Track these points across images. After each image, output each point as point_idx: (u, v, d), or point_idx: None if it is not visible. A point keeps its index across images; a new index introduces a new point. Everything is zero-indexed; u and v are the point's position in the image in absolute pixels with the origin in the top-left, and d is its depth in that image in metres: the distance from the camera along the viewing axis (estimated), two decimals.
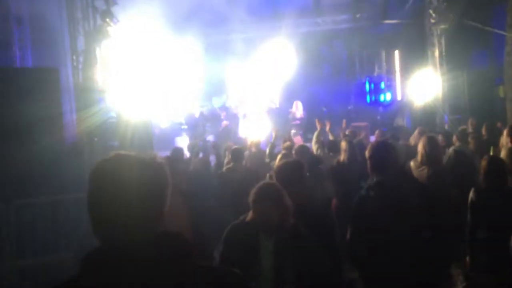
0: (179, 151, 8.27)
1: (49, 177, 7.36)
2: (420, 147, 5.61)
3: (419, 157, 5.61)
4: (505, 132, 6.00)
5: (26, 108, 7.61)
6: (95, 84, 11.27)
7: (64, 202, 7.08)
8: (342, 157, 7.17)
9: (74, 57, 11.27)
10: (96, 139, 11.00)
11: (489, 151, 6.34)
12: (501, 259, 4.15)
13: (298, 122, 15.61)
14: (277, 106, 18.18)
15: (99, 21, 11.70)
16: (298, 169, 4.01)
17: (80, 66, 11.25)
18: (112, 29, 11.89)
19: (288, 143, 8.39)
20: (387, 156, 3.89)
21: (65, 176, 7.58)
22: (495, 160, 4.69)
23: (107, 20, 11.72)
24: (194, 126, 14.88)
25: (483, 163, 4.58)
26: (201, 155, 9.35)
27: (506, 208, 4.38)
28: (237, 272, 1.69)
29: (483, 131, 8.43)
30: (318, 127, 9.62)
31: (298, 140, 14.09)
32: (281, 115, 16.73)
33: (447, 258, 4.20)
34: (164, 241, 1.57)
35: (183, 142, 13.86)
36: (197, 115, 15.21)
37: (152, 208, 1.57)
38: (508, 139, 5.86)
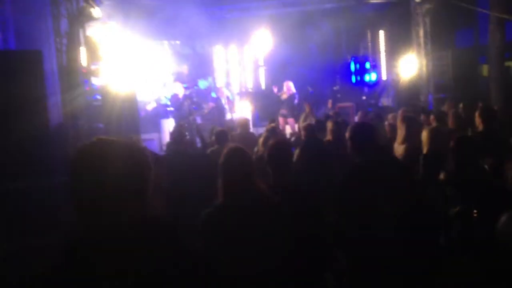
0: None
1: (34, 160, 7.33)
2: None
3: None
4: (477, 113, 6.03)
5: (9, 91, 7.54)
6: (79, 66, 11.16)
7: (49, 186, 7.05)
8: (329, 137, 7.26)
9: (58, 39, 11.14)
10: (81, 121, 10.94)
11: (467, 132, 6.40)
12: (477, 239, 4.24)
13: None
14: (263, 88, 18.16)
15: (82, 3, 11.56)
16: (286, 150, 4.04)
17: (63, 48, 11.13)
18: (95, 10, 11.76)
19: (272, 124, 8.43)
20: (367, 137, 3.94)
21: (49, 160, 7.54)
22: (463, 140, 4.74)
23: (90, 1, 11.59)
24: (179, 108, 14.82)
25: (452, 143, 4.63)
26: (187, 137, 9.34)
27: (475, 187, 4.44)
28: (218, 257, 1.72)
29: (461, 110, 8.50)
30: (307, 109, 9.67)
31: (290, 122, 14.16)
32: (268, 96, 16.71)
33: (430, 236, 4.29)
34: (148, 225, 1.58)
35: (169, 124, 13.85)
36: (180, 95, 15.15)
37: (134, 193, 1.58)
38: (480, 120, 5.90)
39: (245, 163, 3.28)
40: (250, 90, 17.05)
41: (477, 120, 5.94)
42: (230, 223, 3.13)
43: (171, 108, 15.33)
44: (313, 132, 6.96)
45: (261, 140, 7.02)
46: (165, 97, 16.04)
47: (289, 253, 3.17)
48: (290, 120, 14.49)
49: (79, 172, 1.56)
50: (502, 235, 3.27)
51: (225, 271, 2.74)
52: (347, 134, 4.08)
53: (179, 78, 16.87)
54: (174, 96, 15.27)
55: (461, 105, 8.90)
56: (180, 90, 15.33)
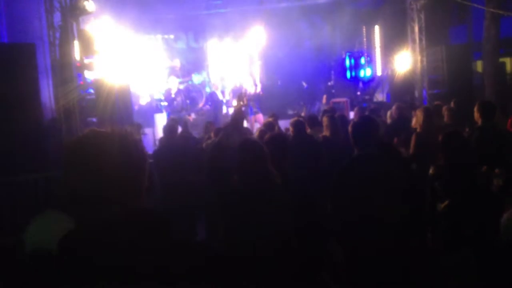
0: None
1: (27, 155, 7.28)
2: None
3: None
4: (475, 108, 6.01)
5: (1, 84, 7.48)
6: (72, 60, 11.10)
7: (43, 180, 7.02)
8: (325, 132, 7.25)
9: (51, 33, 11.07)
10: (74, 116, 10.88)
11: (464, 127, 6.40)
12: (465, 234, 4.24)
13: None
14: (258, 82, 18.11)
15: None
16: (282, 143, 4.04)
17: (57, 42, 11.06)
18: (88, 3, 11.68)
19: (269, 119, 8.43)
20: (369, 130, 3.93)
21: (43, 154, 7.50)
22: (452, 135, 4.73)
23: None
24: (172, 102, 14.78)
25: (440, 138, 4.62)
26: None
27: (466, 178, 4.45)
28: (215, 247, 1.69)
29: (452, 106, 8.52)
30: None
31: (258, 118, 14.15)
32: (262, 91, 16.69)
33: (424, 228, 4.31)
34: (140, 218, 1.55)
35: (162, 119, 13.81)
36: (174, 91, 15.08)
37: (128, 185, 1.56)
38: (478, 115, 5.88)
39: (258, 153, 3.37)
40: (243, 85, 17.00)
41: (476, 115, 5.92)
42: (244, 208, 3.27)
43: (165, 103, 15.29)
44: (301, 127, 6.93)
45: (256, 134, 7.01)
46: (159, 92, 16.00)
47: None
48: (259, 116, 14.48)
49: (71, 163, 1.54)
50: (505, 233, 3.27)
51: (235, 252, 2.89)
52: (349, 128, 4.08)
53: (172, 72, 16.81)
54: (168, 91, 15.22)
55: (452, 102, 8.91)
56: (174, 85, 15.27)
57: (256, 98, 15.24)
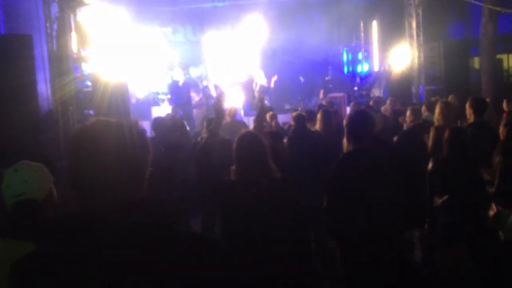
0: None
1: (24, 146, 7.27)
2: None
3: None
4: (467, 105, 5.99)
5: None
6: (69, 52, 11.07)
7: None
8: (317, 126, 7.26)
9: (48, 24, 11.04)
10: (71, 108, 10.87)
11: (456, 124, 6.39)
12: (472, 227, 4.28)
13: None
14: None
15: None
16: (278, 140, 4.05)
17: (54, 34, 11.03)
18: None
19: (270, 113, 8.45)
20: (364, 124, 3.93)
21: (39, 146, 7.49)
22: (457, 131, 4.78)
23: None
24: (178, 95, 14.67)
25: (446, 134, 4.67)
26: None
27: (466, 175, 4.48)
28: (217, 239, 1.71)
29: (451, 99, 8.54)
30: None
31: None
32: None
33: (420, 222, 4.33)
34: (144, 207, 1.57)
35: (159, 112, 13.75)
36: (180, 83, 14.99)
37: (131, 174, 1.57)
38: (470, 111, 5.86)
39: (257, 146, 3.37)
40: (241, 79, 16.97)
41: (468, 111, 5.91)
42: (242, 199, 3.27)
43: (163, 96, 15.23)
44: (303, 122, 6.94)
45: (251, 128, 7.01)
46: (158, 84, 15.95)
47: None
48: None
49: (75, 150, 1.55)
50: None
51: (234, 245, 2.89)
52: (344, 121, 4.09)
53: (170, 65, 16.77)
54: (175, 83, 15.12)
55: (450, 97, 8.93)
56: (180, 77, 15.16)
57: (266, 91, 15.23)
